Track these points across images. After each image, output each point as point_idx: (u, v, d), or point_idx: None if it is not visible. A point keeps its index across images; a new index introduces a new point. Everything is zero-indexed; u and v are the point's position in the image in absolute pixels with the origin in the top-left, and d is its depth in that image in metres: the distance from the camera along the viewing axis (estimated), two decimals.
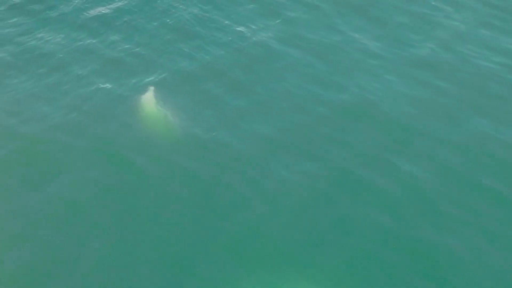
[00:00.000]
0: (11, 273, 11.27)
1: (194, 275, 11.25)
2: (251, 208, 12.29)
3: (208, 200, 12.45)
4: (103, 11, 16.64)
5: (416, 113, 14.24)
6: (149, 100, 14.42)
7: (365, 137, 13.66)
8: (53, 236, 11.79)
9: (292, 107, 14.36)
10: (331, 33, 16.41)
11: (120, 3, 16.28)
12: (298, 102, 14.49)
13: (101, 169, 12.99)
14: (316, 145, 13.51)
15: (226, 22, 16.68)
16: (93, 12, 16.90)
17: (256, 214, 12.17)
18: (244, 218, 12.11)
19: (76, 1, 17.24)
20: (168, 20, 16.68)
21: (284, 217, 12.14)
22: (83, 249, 11.59)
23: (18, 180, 12.75)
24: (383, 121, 14.03)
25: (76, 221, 12.05)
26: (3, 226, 11.95)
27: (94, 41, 15.86)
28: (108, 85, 14.77)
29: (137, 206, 12.35)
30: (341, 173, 12.94)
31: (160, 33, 16.24)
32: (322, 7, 17.25)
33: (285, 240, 11.74)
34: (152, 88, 14.63)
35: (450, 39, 16.25)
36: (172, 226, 11.99)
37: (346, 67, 15.42)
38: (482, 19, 16.92)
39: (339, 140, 13.63)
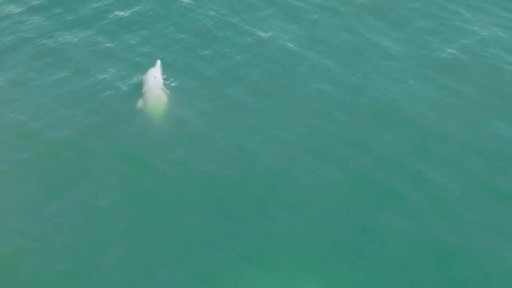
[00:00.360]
0: (32, 277, 11.28)
1: (213, 282, 11.20)
2: (270, 214, 12.21)
3: (228, 206, 12.39)
4: (121, 15, 16.64)
5: (436, 117, 14.12)
6: (167, 103, 14.40)
7: (385, 142, 13.56)
8: (73, 241, 11.79)
9: (312, 112, 14.28)
10: (351, 36, 16.33)
11: (137, 7, 16.27)
12: (318, 106, 14.41)
13: (121, 173, 12.96)
14: (336, 150, 13.42)
15: (244, 26, 16.62)
16: (111, 15, 16.90)
17: (276, 221, 12.09)
18: (264, 225, 12.02)
19: (94, 4, 17.25)
20: (185, 24, 16.63)
21: (304, 224, 12.04)
22: (103, 254, 11.58)
23: (39, 183, 12.76)
24: (403, 126, 13.93)
25: (96, 225, 12.03)
26: (24, 229, 11.96)
27: (112, 44, 15.86)
28: (126, 89, 14.76)
29: (156, 211, 12.32)
30: (362, 178, 12.85)
31: (178, 37, 16.20)
32: (341, 10, 17.17)
33: (306, 248, 11.65)
34: (168, 91, 14.58)
35: (470, 43, 16.10)
36: (191, 232, 11.94)
37: (366, 71, 15.32)
38: (501, 23, 16.77)
39: (360, 145, 13.53)
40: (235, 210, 12.30)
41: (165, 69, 15.04)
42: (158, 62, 14.92)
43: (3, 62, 15.65)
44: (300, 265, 11.41)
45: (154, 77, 14.66)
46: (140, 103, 14.39)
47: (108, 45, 16.00)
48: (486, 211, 12.21)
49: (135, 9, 15.47)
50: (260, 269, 11.34)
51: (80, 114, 14.20)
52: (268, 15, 17.03)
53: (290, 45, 16.05)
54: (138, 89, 14.70)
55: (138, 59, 15.50)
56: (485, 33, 16.50)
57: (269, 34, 16.40)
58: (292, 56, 15.76)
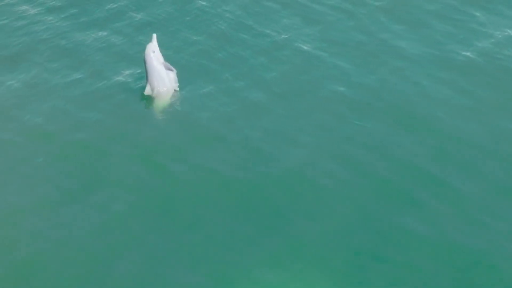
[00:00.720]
0: (47, 280, 11.23)
1: (229, 287, 11.07)
2: (288, 218, 12.08)
3: (245, 209, 12.29)
4: (135, 16, 16.64)
5: (453, 120, 14.00)
6: (184, 106, 14.37)
7: (403, 146, 13.45)
8: (89, 245, 11.71)
9: (328, 114, 14.19)
10: (367, 38, 16.27)
11: (151, 9, 16.24)
12: (334, 109, 14.32)
13: (137, 176, 12.89)
14: (354, 153, 13.32)
15: (259, 28, 16.57)
16: (125, 17, 16.91)
17: (293, 225, 11.95)
18: (281, 229, 11.89)
19: (109, 6, 17.28)
20: (199, 26, 16.59)
21: (322, 229, 11.90)
22: (118, 258, 11.49)
23: (55, 186, 12.72)
24: (421, 129, 13.81)
25: (112, 229, 11.96)
26: (40, 232, 11.92)
27: (127, 46, 15.83)
28: (141, 91, 14.70)
29: (172, 214, 12.22)
30: (380, 182, 12.72)
31: (192, 40, 16.16)
32: (356, 12, 17.13)
33: (324, 253, 11.50)
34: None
35: (486, 45, 16.04)
36: (208, 236, 11.81)
37: (382, 74, 15.23)
38: None
39: (377, 148, 13.42)
40: (252, 214, 12.20)
41: (179, 72, 14.92)
42: (154, 36, 14.53)
43: (18, 64, 15.67)
44: (318, 270, 11.27)
45: (153, 51, 14.43)
46: (147, 89, 14.33)
47: (122, 46, 15.98)
48: (507, 216, 12.09)
49: (149, 11, 15.48)
50: (277, 274, 11.19)
51: (95, 116, 14.17)
52: (283, 17, 16.99)
53: (306, 47, 16.00)
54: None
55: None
56: (500, 36, 16.43)
57: (284, 36, 16.36)
58: (307, 58, 15.70)
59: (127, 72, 15.07)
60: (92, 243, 11.73)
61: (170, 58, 15.17)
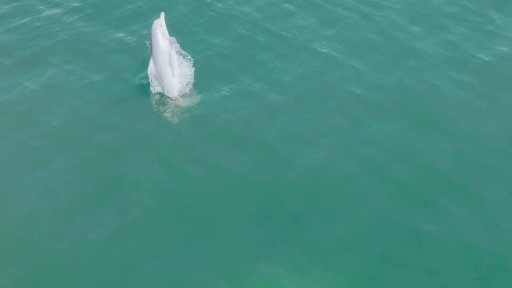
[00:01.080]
0: (68, 283, 11.34)
1: None
2: (306, 224, 12.05)
3: (263, 214, 12.26)
4: (152, 18, 16.41)
5: (472, 123, 13.90)
6: (201, 108, 14.35)
7: (421, 149, 13.35)
8: (108, 249, 11.77)
9: (345, 117, 14.12)
10: (385, 41, 16.18)
11: (168, 11, 16.12)
12: (351, 111, 14.24)
13: (156, 180, 12.90)
14: (373, 157, 13.24)
15: (277, 30, 16.54)
16: (143, 19, 16.93)
17: (313, 231, 11.92)
18: (300, 235, 11.85)
19: (127, 7, 17.29)
20: (218, 29, 16.56)
21: (341, 234, 11.86)
22: (138, 262, 11.54)
23: (75, 190, 12.78)
24: (439, 132, 13.74)
25: (131, 233, 12.00)
26: (59, 236, 11.98)
27: (144, 48, 15.71)
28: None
29: (190, 218, 12.23)
30: (399, 187, 12.65)
31: (210, 43, 16.11)
32: (375, 15, 17.06)
33: (344, 260, 11.48)
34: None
35: (505, 49, 15.90)
36: (227, 240, 11.82)
37: (400, 76, 15.16)
38: None
39: (397, 152, 13.33)
40: (269, 217, 12.19)
41: (197, 73, 14.97)
42: (162, 13, 14.78)
43: (35, 65, 15.71)
44: (336, 275, 11.27)
45: (161, 25, 14.56)
46: (150, 66, 14.36)
47: (138, 48, 15.96)
48: None
49: (167, 13, 15.40)
50: (294, 279, 11.20)
51: (112, 118, 14.19)
52: (299, 19, 16.92)
53: (322, 49, 15.94)
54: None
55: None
56: None
57: (300, 38, 16.29)
58: (324, 60, 15.63)
59: (143, 74, 15.01)
60: (110, 246, 11.78)
61: (185, 60, 15.20)
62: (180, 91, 14.58)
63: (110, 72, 15.34)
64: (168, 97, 14.49)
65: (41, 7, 17.72)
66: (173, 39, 14.62)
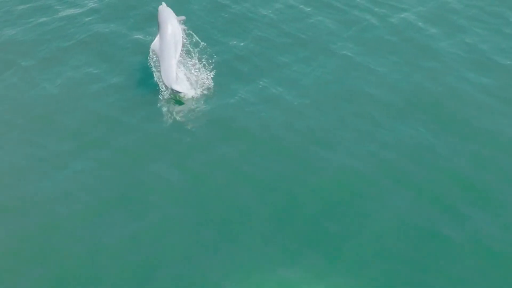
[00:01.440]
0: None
1: None
2: (326, 229, 11.95)
3: (282, 219, 12.17)
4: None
5: (495, 127, 13.81)
6: (220, 111, 14.32)
7: (445, 153, 13.25)
8: (125, 253, 11.75)
9: (367, 121, 14.03)
10: (404, 43, 16.15)
11: (186, 14, 16.07)
12: (374, 115, 14.15)
13: (173, 183, 12.88)
14: (393, 161, 13.14)
15: (296, 33, 16.52)
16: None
17: (333, 237, 11.82)
18: (321, 243, 11.77)
19: (145, 9, 17.30)
20: (236, 32, 16.56)
21: (362, 241, 11.76)
22: (154, 266, 11.51)
23: (93, 194, 12.78)
24: (464, 136, 13.63)
25: (149, 238, 11.98)
26: (82, 239, 12.00)
27: None
28: (180, 96, 14.65)
29: (208, 223, 12.18)
30: (420, 191, 12.53)
31: (229, 45, 16.10)
32: (394, 17, 16.99)
33: (366, 270, 11.35)
34: (216, 98, 14.55)
35: None
36: (245, 246, 11.76)
37: (421, 79, 15.08)
38: None
39: (418, 156, 13.22)
40: (288, 222, 12.09)
41: (215, 75, 14.94)
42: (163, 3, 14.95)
43: (52, 67, 15.74)
44: (357, 281, 11.18)
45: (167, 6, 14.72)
46: (155, 41, 14.40)
47: None
48: None
49: (183, 14, 15.37)
50: (315, 285, 11.12)
51: (131, 121, 14.21)
52: (318, 22, 16.87)
53: (341, 52, 15.87)
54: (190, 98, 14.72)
55: (192, 65, 15.23)
56: None
57: (319, 41, 16.24)
58: (343, 63, 15.57)
59: (160, 75, 14.99)
60: (128, 250, 11.76)
61: (204, 62, 15.17)
62: (180, 84, 14.49)
63: (127, 74, 15.34)
64: (165, 85, 14.41)
65: (57, 7, 17.76)
66: (182, 17, 14.70)
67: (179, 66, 14.62)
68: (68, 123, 14.21)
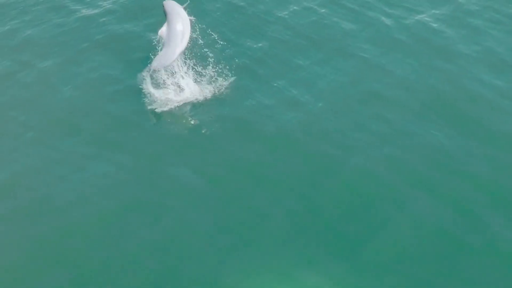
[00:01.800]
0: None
1: None
2: (345, 236, 11.89)
3: (299, 224, 12.12)
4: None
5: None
6: (236, 113, 14.29)
7: (465, 157, 13.20)
8: (144, 259, 11.72)
9: (386, 124, 13.99)
10: (423, 46, 16.09)
11: (201, 15, 16.06)
12: (392, 118, 14.10)
13: (189, 188, 12.85)
14: (413, 165, 13.09)
15: (313, 36, 16.50)
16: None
17: (352, 244, 11.76)
18: (338, 248, 11.71)
19: (160, 11, 17.13)
20: (252, 34, 16.56)
21: (380, 247, 11.66)
22: (175, 271, 11.50)
23: (114, 197, 12.80)
24: (484, 139, 13.59)
25: (165, 244, 11.95)
26: (101, 242, 12.01)
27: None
28: (197, 98, 14.65)
29: (226, 228, 12.14)
30: (444, 200, 12.43)
31: (245, 47, 16.10)
32: (411, 20, 16.90)
33: (384, 276, 11.29)
34: (233, 100, 14.51)
35: None
36: (263, 251, 11.70)
37: (438, 79, 15.06)
38: None
39: (438, 160, 13.16)
40: (305, 228, 12.03)
41: (233, 77, 14.95)
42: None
43: (68, 68, 15.71)
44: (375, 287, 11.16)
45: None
46: (163, 28, 14.27)
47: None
48: None
49: (199, 15, 15.30)
50: None
51: (148, 124, 14.25)
52: (335, 24, 16.85)
53: (359, 54, 15.83)
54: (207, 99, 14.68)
55: (208, 67, 15.25)
56: None
57: (337, 43, 16.22)
58: (359, 65, 15.53)
59: (175, 78, 14.98)
60: (145, 254, 11.73)
61: (220, 64, 15.13)
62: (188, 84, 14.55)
63: (150, 77, 15.25)
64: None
65: (72, 8, 17.76)
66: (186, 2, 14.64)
67: (187, 72, 14.63)
68: (84, 125, 14.20)
